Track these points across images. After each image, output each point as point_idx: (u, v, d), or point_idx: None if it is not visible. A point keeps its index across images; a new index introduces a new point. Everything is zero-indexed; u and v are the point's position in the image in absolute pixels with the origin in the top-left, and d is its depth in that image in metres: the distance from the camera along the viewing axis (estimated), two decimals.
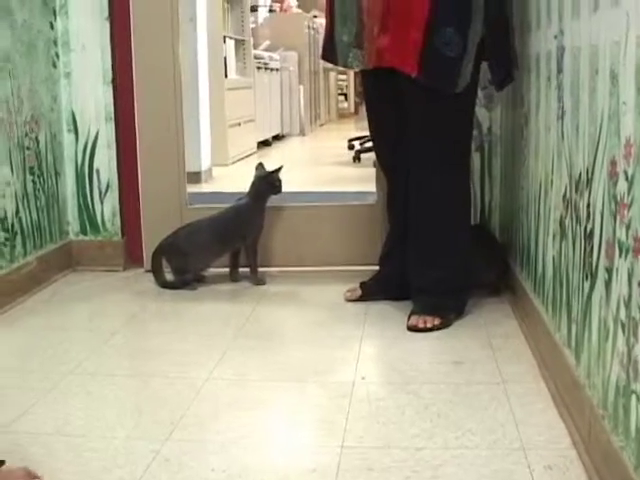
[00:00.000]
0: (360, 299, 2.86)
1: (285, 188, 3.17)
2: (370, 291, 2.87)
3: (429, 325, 2.54)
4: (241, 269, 3.17)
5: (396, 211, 2.80)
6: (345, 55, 2.59)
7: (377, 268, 2.94)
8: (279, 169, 3.14)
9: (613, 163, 1.56)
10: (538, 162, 2.36)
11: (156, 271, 3.09)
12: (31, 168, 3.05)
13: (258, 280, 3.13)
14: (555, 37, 2.10)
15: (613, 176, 1.56)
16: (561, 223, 2.03)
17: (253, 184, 3.16)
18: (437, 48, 2.39)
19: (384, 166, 2.85)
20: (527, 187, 2.54)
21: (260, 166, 3.21)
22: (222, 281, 3.14)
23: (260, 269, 3.16)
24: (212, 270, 3.16)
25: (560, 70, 2.05)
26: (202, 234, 3.08)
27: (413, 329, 2.53)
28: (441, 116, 2.50)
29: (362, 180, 3.19)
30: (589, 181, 1.74)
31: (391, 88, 2.57)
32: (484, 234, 3.02)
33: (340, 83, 13.55)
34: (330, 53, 2.67)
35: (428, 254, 2.64)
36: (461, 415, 1.93)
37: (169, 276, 3.09)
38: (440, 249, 2.63)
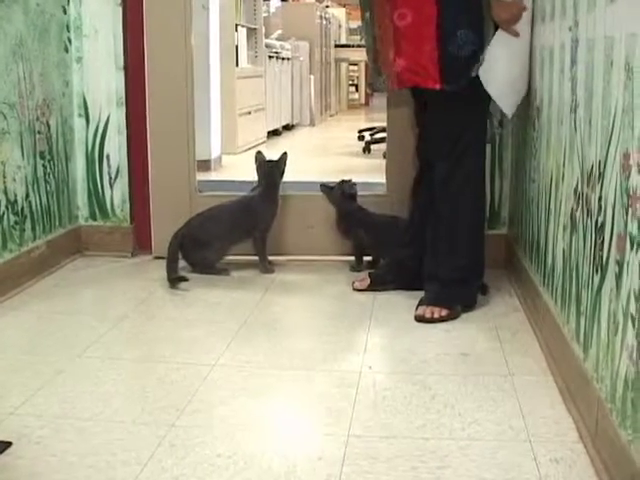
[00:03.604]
0: (369, 289, 2.85)
1: (295, 177, 3.17)
2: (380, 280, 2.87)
3: (436, 316, 2.54)
4: (250, 257, 3.17)
5: (420, 199, 2.79)
6: (375, 80, 2.69)
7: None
8: (285, 156, 3.15)
9: (626, 156, 1.55)
10: (550, 155, 2.34)
11: (171, 265, 2.97)
12: (42, 152, 3.05)
13: (267, 269, 3.13)
14: (569, 29, 2.09)
15: (626, 169, 1.55)
16: (572, 216, 2.02)
17: (263, 173, 3.15)
18: (453, 54, 2.45)
19: (418, 152, 2.84)
20: (538, 180, 2.53)
21: (260, 154, 3.20)
22: (231, 269, 3.13)
23: (269, 258, 3.16)
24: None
25: (574, 62, 2.03)
26: (215, 224, 3.08)
27: (420, 319, 2.53)
28: (457, 112, 2.55)
29: (372, 171, 3.19)
30: (601, 174, 1.73)
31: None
32: None
33: (351, 74, 13.52)
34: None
35: (446, 242, 2.63)
36: (468, 406, 1.93)
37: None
38: (458, 240, 2.63)
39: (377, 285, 2.86)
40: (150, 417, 1.87)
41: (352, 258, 3.18)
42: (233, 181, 4.40)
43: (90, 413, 1.89)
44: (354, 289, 2.87)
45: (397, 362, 2.25)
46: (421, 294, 2.65)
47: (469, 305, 2.64)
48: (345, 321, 2.58)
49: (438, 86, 2.47)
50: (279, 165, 3.15)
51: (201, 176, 3.57)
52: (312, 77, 9.77)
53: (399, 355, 2.29)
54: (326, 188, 3.15)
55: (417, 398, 1.98)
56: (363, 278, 2.89)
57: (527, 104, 2.70)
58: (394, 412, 1.90)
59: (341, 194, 3.12)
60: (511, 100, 2.62)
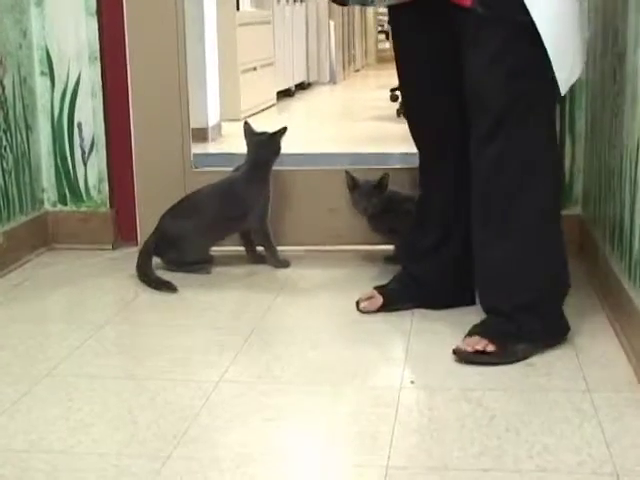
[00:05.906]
0: (381, 310, 2.66)
1: (313, 149, 3.16)
2: (395, 299, 2.68)
3: (479, 348, 2.30)
4: (260, 248, 3.18)
5: (439, 190, 2.64)
6: None
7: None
8: (283, 131, 3.13)
9: None
10: (636, 114, 2.33)
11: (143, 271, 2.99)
12: None
13: (279, 262, 3.13)
14: None
15: None
16: None
17: (252, 148, 3.15)
18: None
19: (418, 128, 2.72)
20: (621, 146, 2.52)
21: (247, 125, 3.20)
22: (236, 263, 3.14)
23: (283, 248, 3.17)
24: (223, 249, 3.17)
25: None
26: (193, 216, 3.07)
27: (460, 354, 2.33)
28: (513, 55, 2.33)
29: (408, 139, 3.14)
30: None
31: (431, 29, 2.46)
32: None
33: (380, 18, 13.48)
34: None
35: (508, 260, 2.37)
36: (536, 430, 1.92)
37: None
38: (523, 252, 2.37)
39: (391, 305, 2.66)
40: (141, 447, 1.88)
41: (387, 247, 3.16)
42: (236, 154, 4.41)
43: (63, 445, 1.90)
44: (360, 311, 2.66)
45: (446, 375, 2.25)
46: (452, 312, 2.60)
47: (553, 338, 2.39)
48: (380, 325, 2.58)
49: (468, 2, 2.23)
50: (273, 141, 3.13)
51: (197, 148, 3.58)
52: (332, 23, 9.76)
53: (448, 366, 2.29)
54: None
55: (472, 420, 1.97)
56: (371, 296, 2.68)
57: (604, 51, 2.69)
58: (443, 437, 1.90)
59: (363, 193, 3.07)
60: (567, 61, 2.28)
